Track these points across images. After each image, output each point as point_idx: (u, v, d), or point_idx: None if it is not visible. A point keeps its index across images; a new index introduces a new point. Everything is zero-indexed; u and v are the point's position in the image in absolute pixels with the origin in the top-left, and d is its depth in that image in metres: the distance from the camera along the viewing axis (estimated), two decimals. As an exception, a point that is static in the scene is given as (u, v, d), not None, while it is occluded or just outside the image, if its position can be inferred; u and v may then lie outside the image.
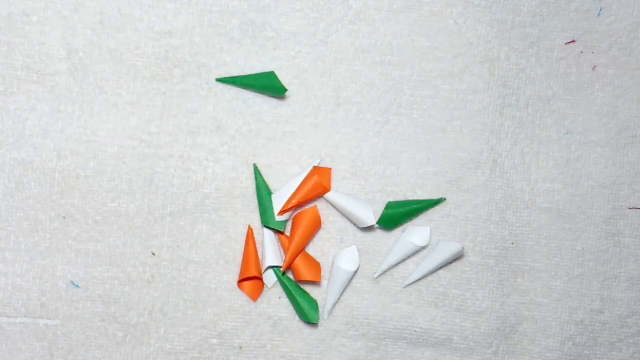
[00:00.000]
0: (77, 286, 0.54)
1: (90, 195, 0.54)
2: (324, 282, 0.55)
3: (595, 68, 0.58)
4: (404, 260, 0.56)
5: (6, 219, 0.54)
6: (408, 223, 0.56)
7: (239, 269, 0.55)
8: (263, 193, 0.55)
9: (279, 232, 0.55)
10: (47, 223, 0.54)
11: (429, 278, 0.56)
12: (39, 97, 0.54)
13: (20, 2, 0.54)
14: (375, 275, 0.56)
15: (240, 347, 0.55)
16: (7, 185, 0.54)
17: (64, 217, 0.54)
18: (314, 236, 0.55)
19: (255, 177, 0.55)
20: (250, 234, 0.55)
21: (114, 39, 0.55)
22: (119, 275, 0.54)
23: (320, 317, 0.55)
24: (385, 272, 0.56)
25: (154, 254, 0.55)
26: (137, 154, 0.55)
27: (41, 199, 0.54)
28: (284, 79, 0.55)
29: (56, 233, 0.54)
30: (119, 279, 0.54)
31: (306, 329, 0.55)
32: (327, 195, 0.55)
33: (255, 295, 0.55)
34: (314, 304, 0.55)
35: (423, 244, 0.55)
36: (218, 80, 0.55)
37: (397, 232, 0.56)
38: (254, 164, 0.55)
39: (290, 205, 0.54)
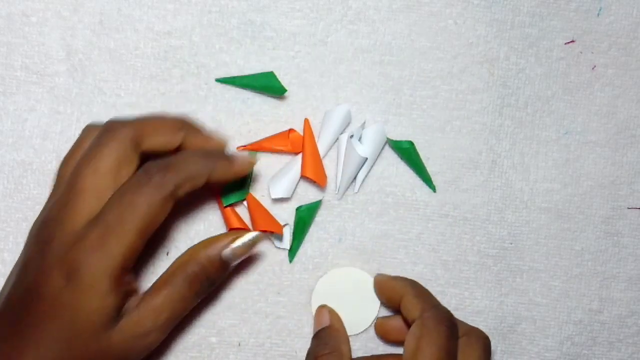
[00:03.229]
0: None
1: (89, 197, 0.55)
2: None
3: (595, 68, 0.57)
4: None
5: (5, 220, 0.54)
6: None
7: (235, 268, 0.55)
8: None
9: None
10: (46, 224, 0.54)
11: (428, 277, 0.56)
12: (38, 98, 0.54)
13: (20, 3, 0.54)
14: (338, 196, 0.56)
15: (239, 344, 0.55)
16: (6, 186, 0.54)
17: (63, 219, 0.54)
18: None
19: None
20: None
21: (113, 40, 0.55)
22: (117, 277, 0.55)
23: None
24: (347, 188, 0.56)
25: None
26: (136, 156, 0.55)
27: (40, 200, 0.54)
28: (283, 79, 0.55)
29: (55, 234, 0.54)
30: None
31: (305, 327, 0.55)
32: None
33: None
34: None
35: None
36: (217, 80, 0.55)
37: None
38: (251, 153, 0.55)
39: (251, 146, 0.55)
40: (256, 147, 0.55)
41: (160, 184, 0.45)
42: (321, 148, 0.55)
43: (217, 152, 0.50)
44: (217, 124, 0.55)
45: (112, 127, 0.47)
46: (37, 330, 0.44)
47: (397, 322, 0.54)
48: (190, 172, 0.47)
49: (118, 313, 0.46)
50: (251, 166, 0.51)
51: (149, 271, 0.55)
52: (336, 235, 0.56)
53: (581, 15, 0.57)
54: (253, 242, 0.50)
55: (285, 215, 0.55)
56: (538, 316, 0.57)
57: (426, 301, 0.50)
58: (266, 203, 0.55)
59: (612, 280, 0.57)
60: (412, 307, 0.50)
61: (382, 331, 0.55)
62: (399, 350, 0.55)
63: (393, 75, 0.56)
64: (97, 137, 0.47)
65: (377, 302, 0.55)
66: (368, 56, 0.56)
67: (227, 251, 0.49)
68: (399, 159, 0.56)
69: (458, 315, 0.56)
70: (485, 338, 0.50)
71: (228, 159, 0.49)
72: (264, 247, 0.55)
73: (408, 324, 0.51)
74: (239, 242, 0.50)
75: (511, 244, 0.57)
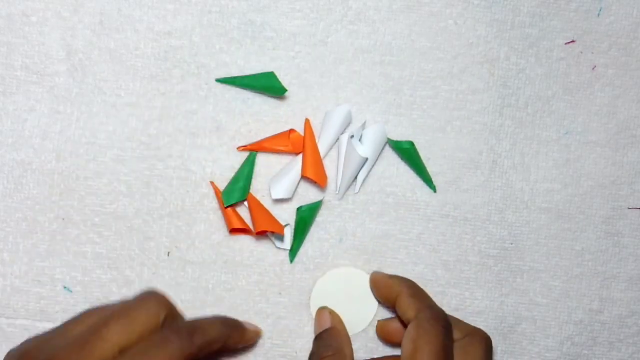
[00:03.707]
0: (70, 291, 0.54)
1: (89, 197, 0.54)
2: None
3: (595, 68, 0.57)
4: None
5: (5, 220, 0.54)
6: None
7: (237, 269, 0.55)
8: (243, 174, 0.55)
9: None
10: (46, 225, 0.54)
11: (429, 277, 0.56)
12: (38, 98, 0.54)
13: (20, 3, 0.54)
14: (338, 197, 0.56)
15: (240, 345, 0.55)
16: (6, 186, 0.54)
17: (63, 219, 0.54)
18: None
19: (248, 162, 0.55)
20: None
21: (113, 40, 0.55)
22: (117, 277, 0.54)
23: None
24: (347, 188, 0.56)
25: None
26: (136, 156, 0.55)
27: (40, 200, 0.54)
28: (283, 79, 0.55)
29: (55, 235, 0.54)
30: (117, 281, 0.55)
31: (306, 328, 0.55)
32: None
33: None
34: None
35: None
36: (218, 80, 0.55)
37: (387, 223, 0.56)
38: (251, 153, 0.55)
39: (253, 144, 0.55)
40: (256, 147, 0.55)
41: (186, 344, 0.45)
42: (321, 148, 0.55)
43: (233, 322, 0.52)
44: (217, 125, 0.55)
45: (154, 293, 0.47)
46: None
47: (398, 324, 0.54)
48: (212, 336, 0.48)
49: None
50: (258, 336, 0.55)
51: (149, 271, 0.55)
52: (337, 236, 0.56)
53: (581, 15, 0.57)
54: None
55: (285, 216, 0.55)
56: (538, 316, 0.57)
57: (421, 301, 0.51)
58: (267, 203, 0.55)
59: (613, 280, 0.57)
60: (407, 308, 0.51)
61: (383, 333, 0.55)
62: (399, 352, 0.55)
63: (393, 75, 0.56)
64: (138, 297, 0.47)
65: (376, 301, 0.55)
66: (368, 56, 0.56)
67: None
68: (399, 159, 0.56)
69: (459, 315, 0.56)
70: (487, 338, 0.50)
71: (242, 329, 0.52)
72: (265, 247, 0.55)
73: (404, 324, 0.51)
74: None
75: (512, 244, 0.57)
